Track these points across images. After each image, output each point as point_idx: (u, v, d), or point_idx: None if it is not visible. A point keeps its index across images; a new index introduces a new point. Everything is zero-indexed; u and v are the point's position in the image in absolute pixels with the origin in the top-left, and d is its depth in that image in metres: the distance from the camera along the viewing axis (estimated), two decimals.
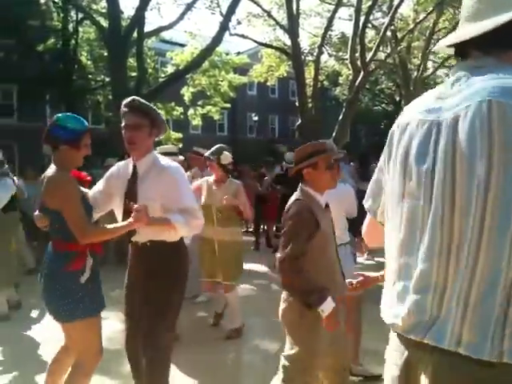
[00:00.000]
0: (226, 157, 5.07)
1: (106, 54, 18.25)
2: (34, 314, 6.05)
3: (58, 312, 2.82)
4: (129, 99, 3.14)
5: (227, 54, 22.43)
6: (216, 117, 24.89)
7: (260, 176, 11.92)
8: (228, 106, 24.23)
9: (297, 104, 19.07)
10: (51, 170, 2.88)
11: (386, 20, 19.54)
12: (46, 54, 19.55)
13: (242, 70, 24.75)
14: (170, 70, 21.58)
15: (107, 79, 19.42)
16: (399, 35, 22.55)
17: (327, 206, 3.02)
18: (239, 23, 21.47)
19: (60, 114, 2.93)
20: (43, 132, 2.89)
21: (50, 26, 19.67)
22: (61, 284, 2.79)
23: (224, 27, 16.08)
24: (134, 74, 17.55)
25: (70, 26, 20.36)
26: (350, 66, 19.23)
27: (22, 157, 18.65)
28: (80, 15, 19.53)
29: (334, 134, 17.98)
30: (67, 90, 18.49)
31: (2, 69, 20.83)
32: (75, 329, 2.84)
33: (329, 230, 2.93)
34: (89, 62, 21.61)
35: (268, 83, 26.01)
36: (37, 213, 3.00)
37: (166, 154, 5.39)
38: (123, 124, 3.09)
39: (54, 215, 2.80)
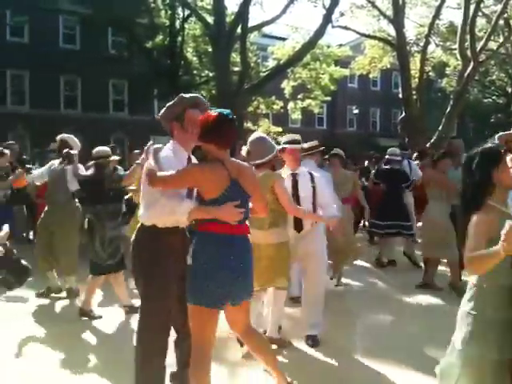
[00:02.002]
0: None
1: (210, 49, 18.74)
2: None
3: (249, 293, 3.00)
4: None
5: (328, 47, 22.18)
6: (316, 110, 24.77)
7: (364, 171, 10.99)
8: (328, 99, 23.96)
9: (400, 96, 18.55)
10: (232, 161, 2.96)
11: (499, 8, 18.55)
12: (154, 50, 20.40)
13: (343, 62, 24.39)
14: (271, 64, 21.75)
15: (211, 74, 19.94)
16: None
17: None
18: (342, 15, 21.08)
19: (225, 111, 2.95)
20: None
21: (157, 24, 20.48)
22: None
23: (327, 20, 15.96)
24: (236, 68, 17.87)
25: (177, 23, 21.07)
26: (458, 56, 18.43)
27: (133, 150, 19.55)
28: (186, 12, 20.19)
29: (439, 128, 17.32)
30: (174, 86, 19.20)
31: (114, 65, 22.12)
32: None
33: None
34: (194, 58, 22.29)
35: (370, 75, 25.48)
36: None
37: (99, 157, 5.44)
38: None
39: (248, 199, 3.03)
